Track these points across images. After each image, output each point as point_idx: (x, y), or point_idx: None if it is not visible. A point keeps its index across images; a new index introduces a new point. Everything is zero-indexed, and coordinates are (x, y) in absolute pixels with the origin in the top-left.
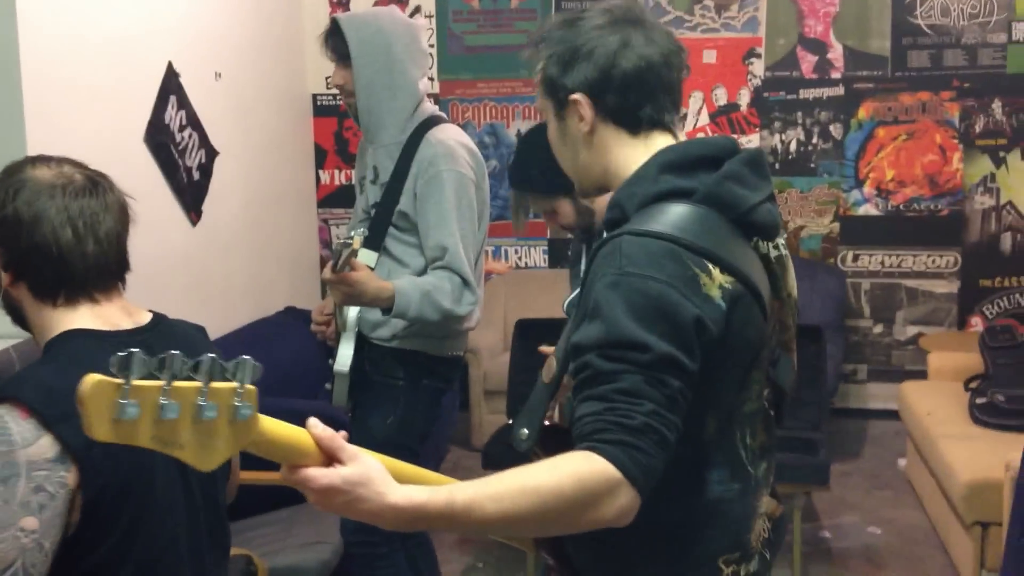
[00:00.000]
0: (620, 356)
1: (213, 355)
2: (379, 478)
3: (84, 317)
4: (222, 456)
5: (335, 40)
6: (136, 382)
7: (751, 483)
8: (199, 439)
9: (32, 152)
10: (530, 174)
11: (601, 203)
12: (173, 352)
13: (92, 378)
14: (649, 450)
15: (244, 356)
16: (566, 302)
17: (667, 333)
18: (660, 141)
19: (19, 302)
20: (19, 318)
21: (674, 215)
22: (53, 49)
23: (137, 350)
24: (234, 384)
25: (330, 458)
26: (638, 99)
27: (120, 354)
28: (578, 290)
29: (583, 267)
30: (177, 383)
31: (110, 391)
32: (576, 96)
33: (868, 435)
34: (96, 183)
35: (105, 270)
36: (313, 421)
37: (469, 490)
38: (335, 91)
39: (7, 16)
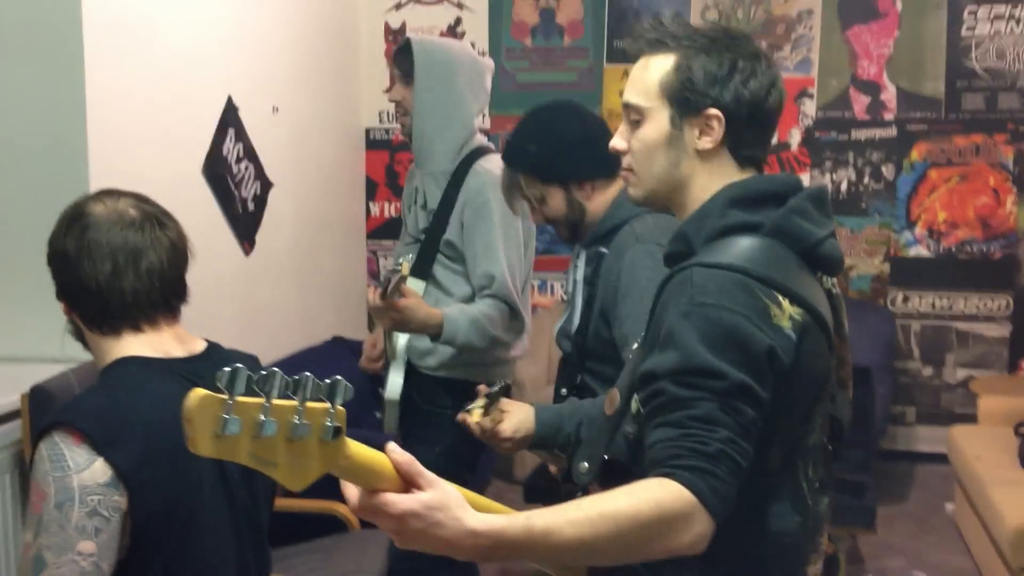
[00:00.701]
0: (695, 383)
1: (310, 374)
2: (457, 504)
3: (136, 345)
4: (312, 476)
5: (403, 58)
6: (239, 398)
7: (812, 518)
8: (292, 458)
9: (95, 183)
10: (527, 152)
11: (594, 206)
12: (274, 370)
13: (198, 393)
14: (724, 477)
15: (337, 376)
16: (556, 329)
17: (741, 362)
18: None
19: (80, 329)
20: (84, 343)
21: (743, 248)
22: (118, 84)
23: (241, 366)
24: (326, 404)
25: (408, 483)
26: (763, 138)
27: (226, 369)
28: (566, 316)
29: (576, 277)
30: (276, 401)
31: (214, 406)
32: (715, 112)
33: (916, 478)
34: (147, 218)
35: (147, 304)
36: (392, 446)
37: (547, 516)
38: (387, 125)
39: (74, 51)
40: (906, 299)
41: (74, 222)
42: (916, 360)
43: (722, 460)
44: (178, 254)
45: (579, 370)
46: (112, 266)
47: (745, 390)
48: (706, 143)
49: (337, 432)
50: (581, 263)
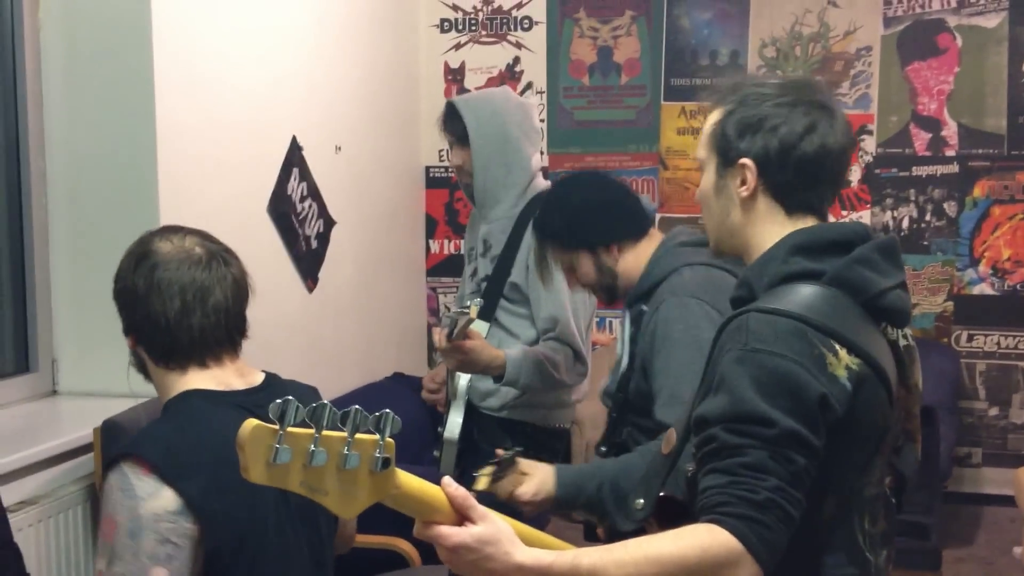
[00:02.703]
0: (745, 431)
1: (358, 407)
2: (507, 538)
3: (199, 379)
4: (362, 505)
5: (452, 122)
6: (290, 429)
7: (870, 570)
8: (342, 487)
9: (164, 221)
10: (553, 224)
11: (625, 267)
12: (324, 403)
13: (251, 423)
14: (772, 525)
15: (386, 410)
16: (601, 391)
17: (792, 410)
18: (808, 224)
19: (144, 363)
20: (146, 374)
21: (802, 295)
22: (187, 123)
23: (292, 398)
24: (376, 436)
25: (462, 516)
26: (806, 184)
27: (278, 401)
28: (614, 376)
29: (625, 336)
30: (326, 432)
31: (267, 436)
32: (746, 161)
33: (983, 521)
34: (213, 256)
35: (213, 339)
36: (447, 480)
37: (595, 555)
38: (447, 163)
39: (145, 91)
40: (971, 338)
41: (143, 259)
42: (982, 400)
43: (771, 508)
44: (241, 291)
45: (620, 427)
46: (181, 303)
47: (796, 438)
48: (744, 192)
49: (387, 463)
50: (627, 323)
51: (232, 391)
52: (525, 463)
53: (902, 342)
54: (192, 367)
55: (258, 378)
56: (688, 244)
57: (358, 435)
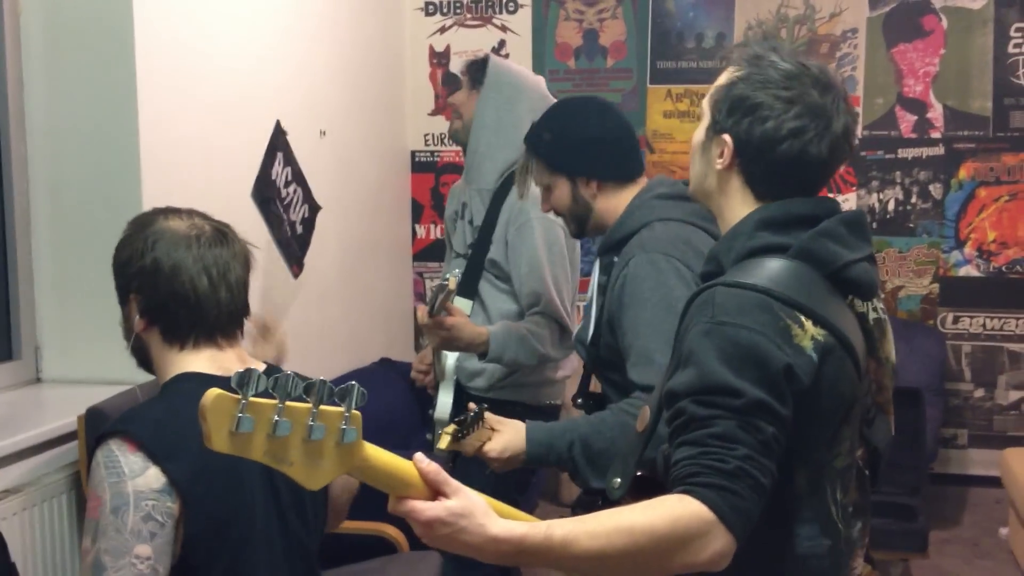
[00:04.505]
0: (713, 402)
1: (323, 379)
2: (481, 511)
3: (202, 362)
4: (328, 476)
5: (477, 67)
6: (253, 399)
7: (843, 541)
8: (307, 459)
9: (147, 207)
10: (542, 139)
11: (603, 207)
12: (288, 373)
13: (213, 392)
14: (743, 493)
15: (352, 382)
16: (574, 337)
17: (758, 379)
18: None
19: (148, 346)
20: (144, 360)
21: (768, 269)
22: (169, 108)
23: (255, 368)
24: (342, 408)
25: (435, 492)
26: (778, 181)
27: (239, 371)
28: (583, 323)
29: (594, 284)
30: (290, 403)
31: (229, 405)
32: (726, 138)
33: (969, 502)
34: (224, 233)
35: (234, 316)
36: (419, 456)
37: (567, 525)
38: (432, 148)
39: (127, 77)
40: (956, 319)
41: (159, 238)
42: (967, 382)
43: (741, 477)
44: (249, 267)
45: (594, 379)
46: (208, 280)
47: (763, 407)
48: (719, 164)
49: (352, 434)
50: (597, 270)
51: (228, 376)
52: (494, 419)
53: (872, 315)
54: (207, 347)
55: (259, 367)
56: (665, 197)
57: (323, 407)
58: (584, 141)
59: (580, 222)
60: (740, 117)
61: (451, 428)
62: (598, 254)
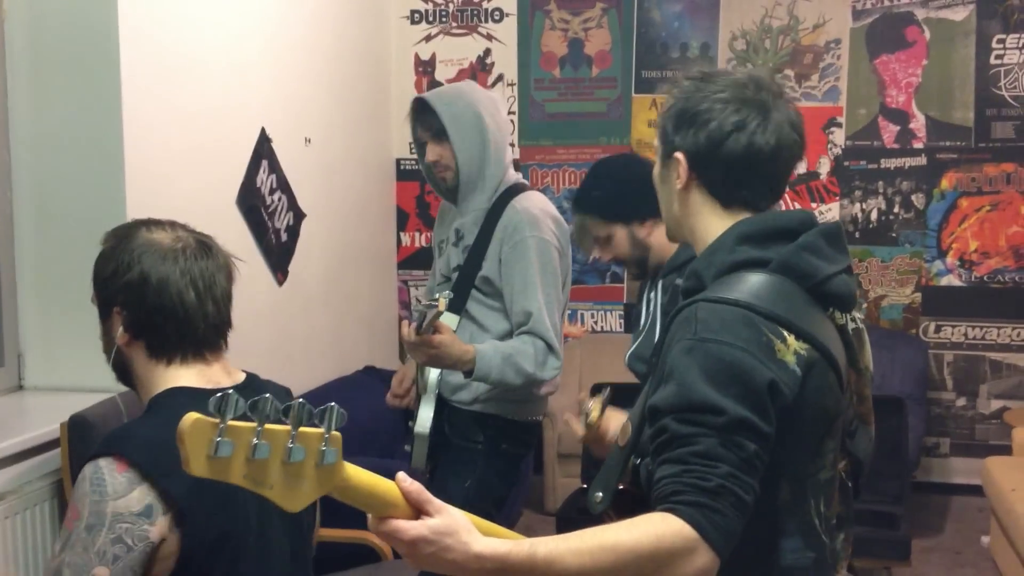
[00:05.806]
0: (695, 420)
1: (302, 400)
2: (464, 529)
3: (189, 376)
4: (308, 498)
5: (425, 118)
6: (231, 422)
7: (826, 553)
8: (287, 480)
9: (132, 216)
10: (592, 197)
11: (658, 242)
12: (266, 396)
13: (191, 416)
14: (725, 511)
15: (331, 403)
16: (627, 355)
17: (741, 396)
18: (746, 216)
19: (130, 360)
20: (124, 375)
21: (749, 283)
22: (153, 117)
23: (232, 392)
24: (321, 430)
25: (418, 510)
26: (737, 181)
27: (217, 395)
28: (638, 342)
29: (646, 310)
30: (269, 426)
31: (207, 429)
32: (679, 155)
33: (951, 511)
34: (208, 245)
35: (219, 329)
36: (402, 475)
37: (551, 543)
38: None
39: (112, 85)
40: (938, 329)
41: (144, 251)
42: (949, 391)
43: (723, 495)
44: (231, 279)
45: None
46: (195, 293)
47: (745, 425)
48: (678, 184)
49: (332, 456)
50: (657, 292)
51: (217, 389)
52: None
53: (851, 326)
54: (195, 361)
55: (240, 377)
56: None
57: (302, 428)
58: (629, 187)
59: (641, 263)
60: (686, 129)
61: (599, 404)
62: (660, 276)
